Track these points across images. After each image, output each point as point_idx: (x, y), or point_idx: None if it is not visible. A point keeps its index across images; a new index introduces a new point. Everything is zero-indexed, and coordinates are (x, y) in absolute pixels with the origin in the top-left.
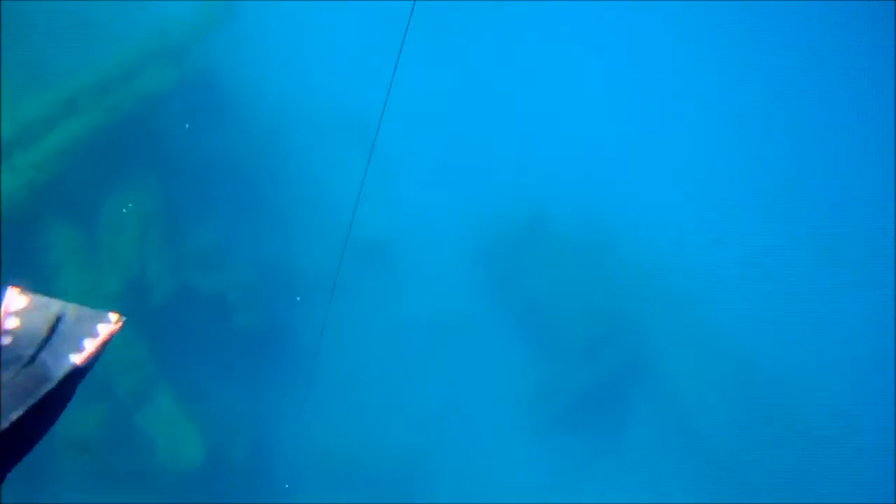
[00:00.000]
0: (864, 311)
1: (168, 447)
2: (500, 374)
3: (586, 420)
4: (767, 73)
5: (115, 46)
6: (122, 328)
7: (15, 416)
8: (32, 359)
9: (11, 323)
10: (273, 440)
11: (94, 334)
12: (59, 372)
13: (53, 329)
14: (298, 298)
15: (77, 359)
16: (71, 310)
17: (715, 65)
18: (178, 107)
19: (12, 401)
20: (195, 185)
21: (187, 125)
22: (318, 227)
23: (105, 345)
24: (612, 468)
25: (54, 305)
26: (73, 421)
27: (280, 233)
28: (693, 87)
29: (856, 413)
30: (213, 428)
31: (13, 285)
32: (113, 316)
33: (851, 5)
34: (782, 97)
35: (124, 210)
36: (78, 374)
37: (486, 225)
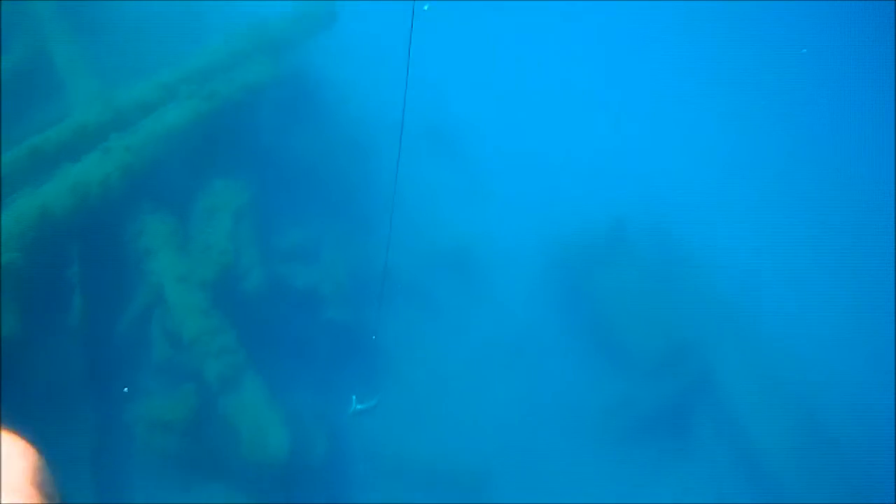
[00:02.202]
0: None
1: (253, 438)
2: (568, 386)
3: (650, 438)
4: None
5: (217, 39)
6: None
7: None
8: None
9: None
10: (352, 438)
11: None
12: None
13: None
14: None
15: None
16: None
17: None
18: (275, 101)
19: None
20: (287, 179)
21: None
22: (405, 229)
23: None
24: (673, 488)
25: None
26: (158, 402)
27: (367, 232)
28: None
29: None
30: (297, 421)
31: None
32: None
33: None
34: None
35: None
36: None
37: (562, 236)
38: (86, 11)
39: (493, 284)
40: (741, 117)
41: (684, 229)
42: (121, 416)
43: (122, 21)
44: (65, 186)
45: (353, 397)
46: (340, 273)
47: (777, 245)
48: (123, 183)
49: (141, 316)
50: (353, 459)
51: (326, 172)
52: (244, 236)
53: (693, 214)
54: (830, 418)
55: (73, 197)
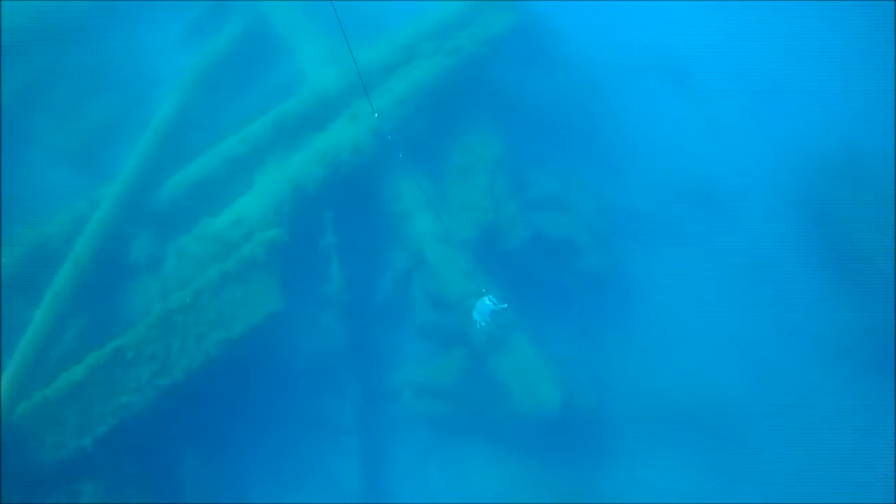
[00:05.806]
0: None
1: (525, 395)
2: (811, 316)
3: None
4: None
5: None
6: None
7: None
8: None
9: None
10: (615, 384)
11: None
12: None
13: None
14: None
15: None
16: None
17: None
18: (511, 51)
19: None
20: (533, 127)
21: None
22: (646, 164)
23: None
24: None
25: None
26: (427, 367)
27: (615, 175)
28: None
29: None
30: (565, 373)
31: None
32: None
33: None
34: None
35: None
36: None
37: (800, 163)
38: None
39: (735, 214)
40: None
41: None
42: (385, 383)
43: None
44: (314, 157)
45: (490, 299)
46: (593, 219)
47: None
48: (374, 148)
49: (401, 280)
50: (617, 406)
51: (569, 116)
52: (500, 191)
53: None
54: None
55: (323, 167)
